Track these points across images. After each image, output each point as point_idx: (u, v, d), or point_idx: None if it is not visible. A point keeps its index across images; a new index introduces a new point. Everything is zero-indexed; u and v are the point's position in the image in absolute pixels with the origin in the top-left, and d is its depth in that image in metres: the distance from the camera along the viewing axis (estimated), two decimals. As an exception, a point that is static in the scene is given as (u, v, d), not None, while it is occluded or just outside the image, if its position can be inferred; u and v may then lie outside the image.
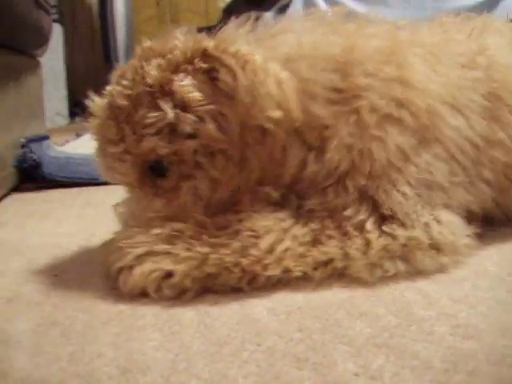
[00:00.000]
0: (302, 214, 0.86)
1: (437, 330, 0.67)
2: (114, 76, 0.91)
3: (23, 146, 1.84)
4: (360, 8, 2.71)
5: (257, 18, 0.93)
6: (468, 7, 2.76)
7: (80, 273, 0.93)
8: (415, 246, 0.83)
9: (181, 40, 0.87)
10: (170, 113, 0.82)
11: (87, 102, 0.92)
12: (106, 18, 5.03)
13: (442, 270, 0.84)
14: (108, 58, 4.99)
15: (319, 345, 0.64)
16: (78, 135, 3.49)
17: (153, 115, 0.83)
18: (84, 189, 1.79)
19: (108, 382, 0.59)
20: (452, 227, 0.87)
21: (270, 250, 0.81)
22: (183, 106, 0.83)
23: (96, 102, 0.91)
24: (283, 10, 2.81)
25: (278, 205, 0.87)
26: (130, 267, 0.81)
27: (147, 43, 0.89)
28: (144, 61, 0.86)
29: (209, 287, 0.81)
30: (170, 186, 0.87)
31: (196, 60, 0.83)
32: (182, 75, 0.83)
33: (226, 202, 0.87)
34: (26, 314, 0.78)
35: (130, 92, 0.86)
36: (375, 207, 0.84)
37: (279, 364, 0.61)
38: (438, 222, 0.86)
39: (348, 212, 0.84)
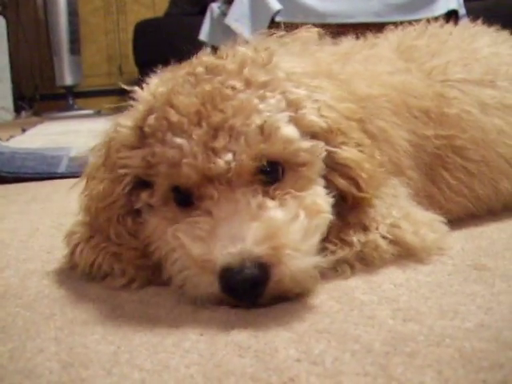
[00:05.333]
0: None
1: (378, 313, 0.68)
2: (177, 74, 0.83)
3: (-34, 142, 1.81)
4: (309, 1, 2.73)
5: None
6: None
7: (22, 269, 0.92)
8: (372, 248, 0.82)
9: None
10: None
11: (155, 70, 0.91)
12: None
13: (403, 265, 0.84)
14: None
15: (261, 332, 0.65)
16: (24, 130, 3.44)
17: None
18: (29, 184, 1.76)
19: (49, 376, 0.59)
20: (421, 225, 0.86)
21: None
22: None
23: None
24: (229, 1, 2.81)
25: None
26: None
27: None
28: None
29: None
30: (281, 190, 0.78)
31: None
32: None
33: None
34: (-34, 312, 0.77)
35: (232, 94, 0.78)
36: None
37: (221, 353, 0.61)
38: (407, 219, 0.86)
39: None
